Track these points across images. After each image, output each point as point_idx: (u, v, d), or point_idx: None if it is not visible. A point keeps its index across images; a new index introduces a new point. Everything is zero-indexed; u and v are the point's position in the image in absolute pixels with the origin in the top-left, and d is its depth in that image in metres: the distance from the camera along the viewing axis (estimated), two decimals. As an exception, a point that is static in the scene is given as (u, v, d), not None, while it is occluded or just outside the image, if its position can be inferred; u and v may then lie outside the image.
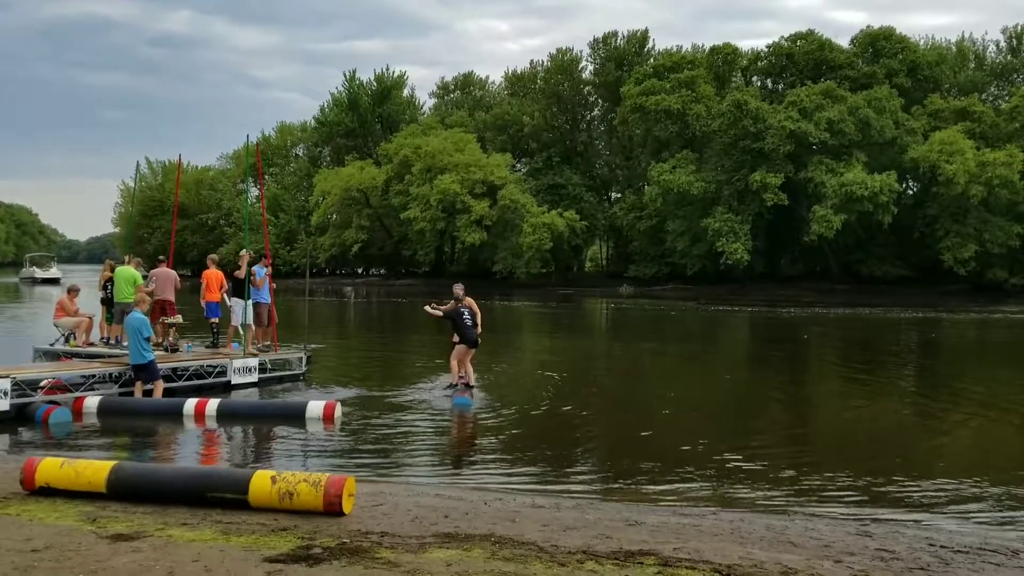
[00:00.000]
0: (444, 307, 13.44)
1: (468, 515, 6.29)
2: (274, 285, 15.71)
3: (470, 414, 11.71)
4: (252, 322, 14.76)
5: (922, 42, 64.74)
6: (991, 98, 63.51)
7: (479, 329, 13.17)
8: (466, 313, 12.99)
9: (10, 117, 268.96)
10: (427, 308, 13.71)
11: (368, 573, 4.71)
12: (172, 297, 14.97)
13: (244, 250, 15.48)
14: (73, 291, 15.40)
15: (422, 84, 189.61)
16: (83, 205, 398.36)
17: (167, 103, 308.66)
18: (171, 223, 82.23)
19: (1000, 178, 50.48)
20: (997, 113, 58.08)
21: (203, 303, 15.19)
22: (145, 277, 14.94)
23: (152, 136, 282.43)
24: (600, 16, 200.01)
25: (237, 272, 14.92)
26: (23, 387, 11.05)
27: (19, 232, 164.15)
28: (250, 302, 14.64)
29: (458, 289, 13.39)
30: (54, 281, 65.61)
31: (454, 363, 12.92)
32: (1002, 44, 64.91)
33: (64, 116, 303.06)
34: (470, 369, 13.17)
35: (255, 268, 15.00)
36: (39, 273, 71.32)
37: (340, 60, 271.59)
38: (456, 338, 13.09)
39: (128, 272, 14.51)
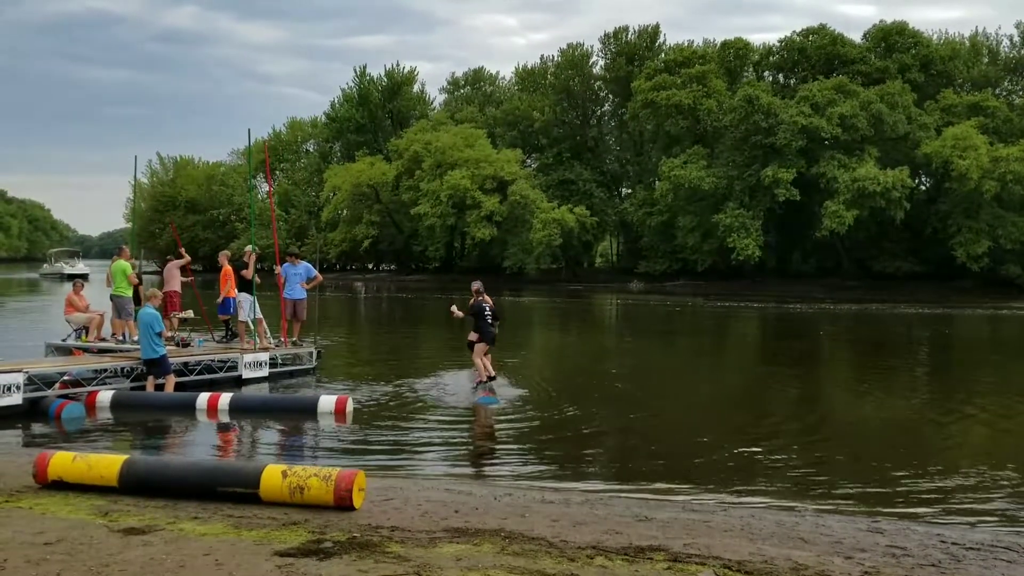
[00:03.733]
0: (466, 307, 13.40)
1: (478, 510, 6.29)
2: (321, 279, 16.22)
3: (480, 410, 11.71)
4: (260, 315, 14.96)
5: (935, 37, 64.31)
6: (1005, 93, 63.00)
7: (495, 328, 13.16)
8: (487, 309, 12.98)
9: (18, 113, 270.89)
10: (452, 308, 13.66)
11: (378, 567, 4.72)
12: (178, 288, 15.57)
13: (250, 246, 15.54)
14: (78, 285, 15.51)
15: (429, 79, 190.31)
16: (94, 200, 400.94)
17: (174, 98, 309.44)
18: (182, 218, 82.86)
19: (1013, 173, 50.08)
20: (1011, 108, 57.68)
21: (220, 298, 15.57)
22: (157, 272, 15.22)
23: (160, 131, 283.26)
24: (607, 10, 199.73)
25: (244, 272, 15.00)
26: (36, 381, 11.13)
27: (32, 228, 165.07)
28: (255, 297, 14.84)
29: (477, 284, 13.37)
30: (83, 277, 65.94)
31: (478, 360, 12.88)
32: (1016, 39, 64.34)
33: (72, 112, 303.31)
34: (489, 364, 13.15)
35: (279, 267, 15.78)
36: (67, 269, 71.62)
37: (346, 55, 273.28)
38: (474, 336, 13.05)
39: (120, 264, 14.58)
